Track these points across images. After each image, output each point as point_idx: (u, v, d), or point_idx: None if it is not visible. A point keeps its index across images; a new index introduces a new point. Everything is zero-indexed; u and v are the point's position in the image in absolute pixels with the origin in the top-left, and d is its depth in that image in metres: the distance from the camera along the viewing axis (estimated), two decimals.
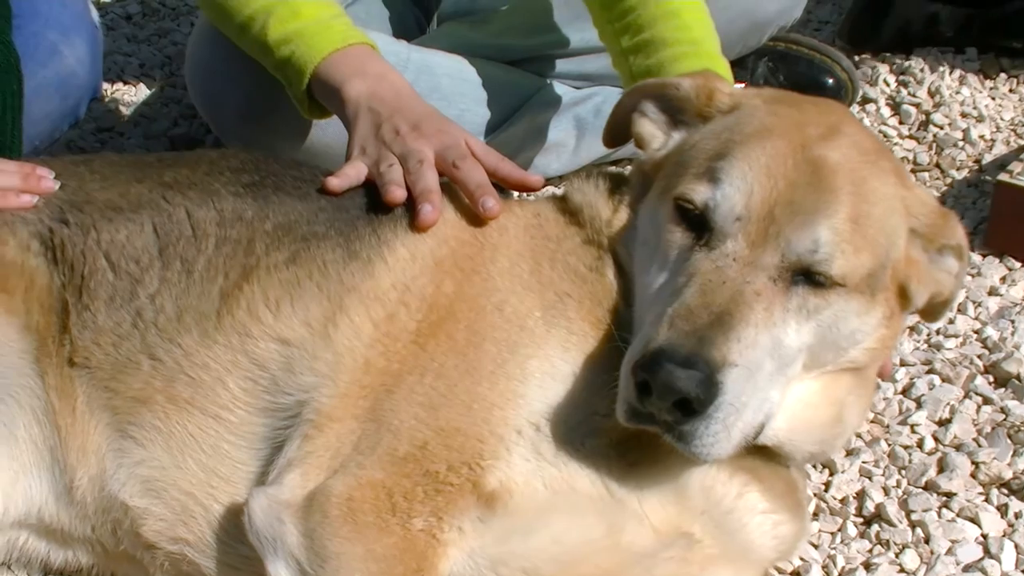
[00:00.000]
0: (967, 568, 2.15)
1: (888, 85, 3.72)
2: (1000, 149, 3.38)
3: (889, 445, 2.41)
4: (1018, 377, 2.55)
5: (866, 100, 3.62)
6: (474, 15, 3.24)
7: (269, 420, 1.87)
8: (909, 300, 1.86)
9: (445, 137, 2.12)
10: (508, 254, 1.92)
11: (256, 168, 2.10)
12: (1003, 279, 2.90)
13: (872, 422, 2.47)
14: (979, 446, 2.39)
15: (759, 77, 3.42)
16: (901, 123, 3.54)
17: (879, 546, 2.21)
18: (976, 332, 2.72)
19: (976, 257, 2.93)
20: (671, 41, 2.44)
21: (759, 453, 1.83)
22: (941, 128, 3.47)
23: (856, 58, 3.79)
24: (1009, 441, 2.40)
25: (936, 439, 2.43)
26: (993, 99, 3.63)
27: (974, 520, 2.24)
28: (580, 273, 1.89)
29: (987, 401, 2.51)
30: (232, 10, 2.47)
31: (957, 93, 3.63)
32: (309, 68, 2.33)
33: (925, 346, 2.69)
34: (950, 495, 2.29)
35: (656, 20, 2.47)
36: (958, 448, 2.39)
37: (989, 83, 3.71)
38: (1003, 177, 2.95)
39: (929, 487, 2.31)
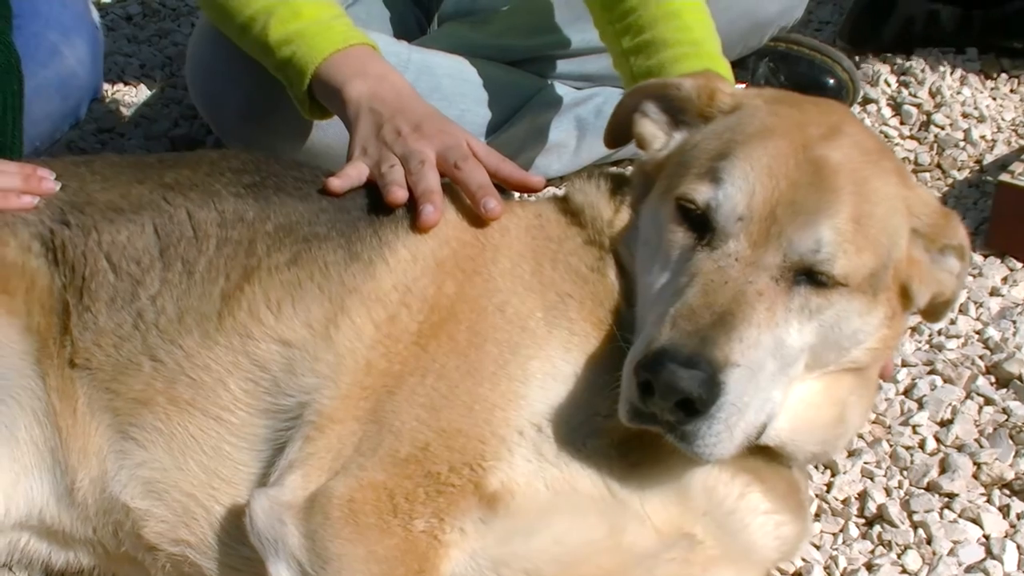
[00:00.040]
0: (969, 569, 2.15)
1: (889, 85, 3.72)
2: (1001, 149, 3.38)
3: (891, 446, 2.41)
4: (1020, 378, 2.55)
5: (867, 100, 3.62)
6: (475, 15, 3.24)
7: (270, 421, 1.87)
8: (911, 300, 1.86)
9: (446, 138, 2.12)
10: (510, 255, 1.92)
11: (257, 169, 2.10)
12: (1004, 280, 2.90)
13: (874, 423, 2.47)
14: (981, 447, 2.38)
15: (760, 77, 3.42)
16: (902, 123, 3.54)
17: (881, 547, 2.21)
18: (978, 333, 2.72)
19: (977, 258, 2.93)
20: (672, 42, 2.44)
21: (761, 453, 1.83)
22: (942, 128, 3.47)
23: (857, 58, 3.79)
24: (1011, 442, 2.39)
25: (938, 440, 2.43)
26: (994, 99, 3.63)
27: (976, 521, 2.24)
28: (582, 274, 1.89)
29: (989, 402, 2.51)
30: (233, 10, 2.47)
31: (958, 93, 3.63)
32: (310, 69, 2.33)
33: (927, 347, 2.69)
34: (952, 496, 2.29)
35: (657, 21, 2.47)
36: (960, 449, 2.39)
37: (990, 83, 3.71)
38: (1004, 177, 2.95)
39: (931, 488, 2.31)
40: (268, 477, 1.83)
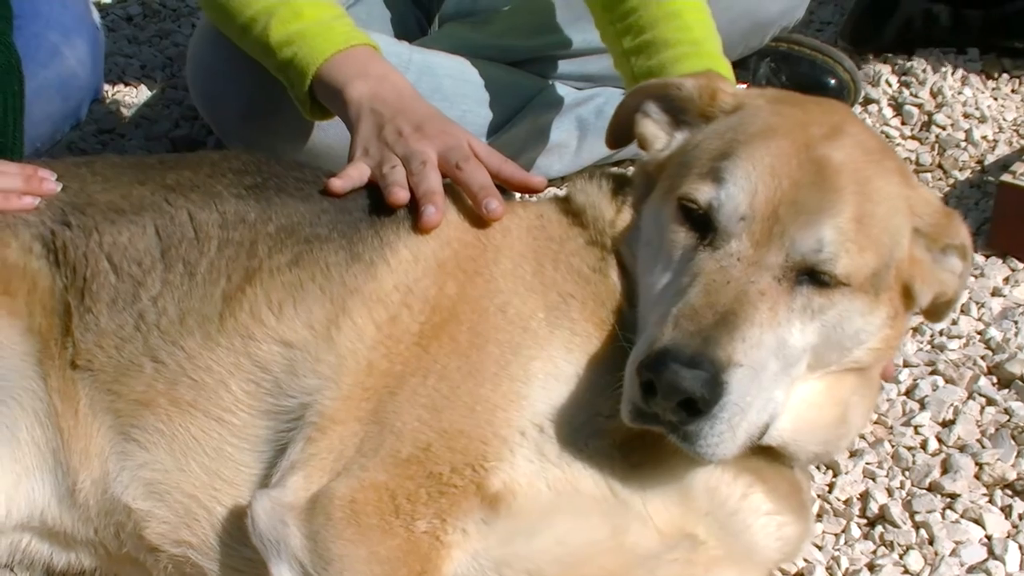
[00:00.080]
0: (971, 569, 2.15)
1: (890, 86, 3.72)
2: (1003, 150, 3.37)
3: (893, 446, 2.41)
4: (1021, 378, 2.54)
5: (868, 101, 3.62)
6: (476, 16, 3.24)
7: (272, 423, 1.87)
8: (913, 300, 1.86)
9: (448, 138, 2.12)
10: (511, 255, 1.92)
11: (258, 170, 2.10)
12: (1006, 280, 2.90)
13: (876, 423, 2.47)
14: (983, 447, 2.38)
15: (761, 78, 3.42)
16: (903, 124, 3.54)
17: (883, 547, 2.21)
18: (979, 333, 2.72)
19: (979, 258, 2.93)
20: (673, 42, 2.44)
21: (763, 454, 1.83)
22: (943, 129, 3.47)
23: (861, 58, 3.79)
24: (1013, 442, 2.39)
25: (940, 440, 2.42)
26: (995, 99, 3.63)
27: (978, 521, 2.24)
28: (583, 274, 1.88)
29: (991, 402, 2.51)
30: (234, 11, 2.47)
31: (959, 94, 3.63)
32: (311, 69, 2.33)
33: (928, 347, 2.69)
34: (954, 496, 2.29)
35: (658, 21, 2.47)
36: (962, 449, 2.39)
37: (991, 83, 3.71)
38: (1006, 178, 2.94)
39: (933, 488, 2.31)
40: (270, 478, 1.83)
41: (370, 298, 1.88)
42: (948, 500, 2.28)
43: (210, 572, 1.88)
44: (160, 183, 2.06)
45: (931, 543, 2.19)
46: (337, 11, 2.43)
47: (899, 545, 2.19)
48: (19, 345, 1.91)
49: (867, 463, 2.37)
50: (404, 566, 1.70)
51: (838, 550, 2.20)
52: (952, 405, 2.49)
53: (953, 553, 2.17)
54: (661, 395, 1.61)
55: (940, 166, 3.35)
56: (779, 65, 3.44)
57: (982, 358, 2.62)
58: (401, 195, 2.00)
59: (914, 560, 2.16)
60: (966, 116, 3.52)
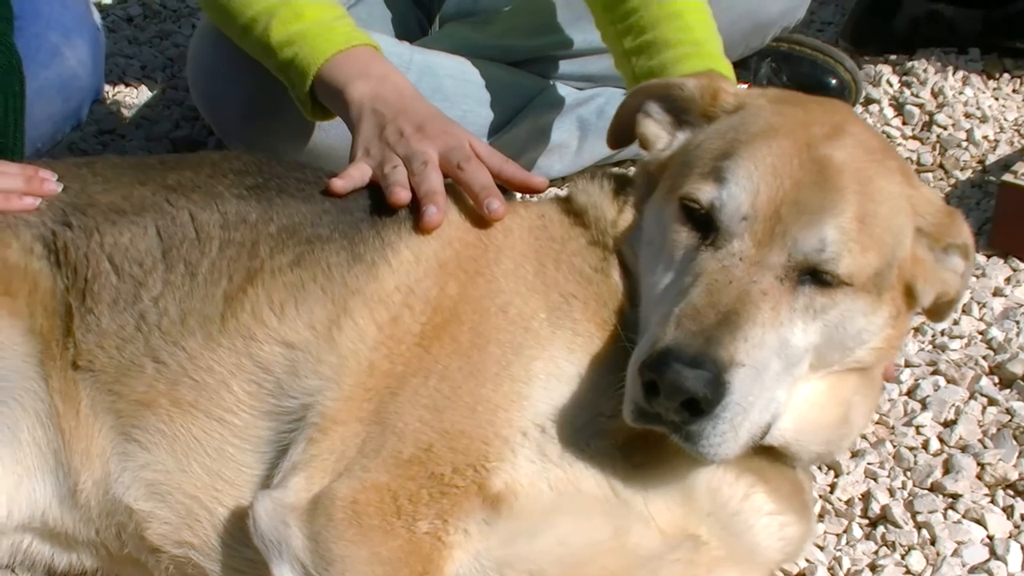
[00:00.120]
0: (973, 570, 2.15)
1: (891, 86, 3.72)
2: (1004, 149, 3.37)
3: (894, 446, 2.41)
4: (1023, 378, 2.54)
5: (869, 101, 3.62)
6: (476, 16, 3.24)
7: (274, 423, 1.86)
8: (915, 299, 1.85)
9: (449, 139, 2.12)
10: (512, 256, 1.92)
11: (259, 170, 2.10)
12: (1008, 280, 2.90)
13: (877, 423, 2.46)
14: (984, 447, 2.38)
15: (762, 78, 3.42)
16: (904, 124, 3.54)
17: (885, 548, 2.20)
18: (981, 333, 2.72)
19: (980, 258, 2.92)
20: (674, 42, 2.44)
21: (765, 454, 1.82)
22: (944, 129, 3.47)
23: (861, 58, 3.78)
24: (1015, 442, 2.39)
25: (941, 440, 2.42)
26: (996, 99, 3.63)
27: (980, 521, 2.23)
28: (585, 274, 1.88)
29: (992, 402, 2.50)
30: (235, 12, 2.46)
31: (960, 94, 3.63)
32: (312, 70, 2.33)
33: (930, 347, 2.69)
34: (956, 496, 2.28)
35: (659, 21, 2.47)
36: (963, 449, 2.38)
37: (992, 83, 3.71)
38: (1007, 178, 2.94)
39: (935, 488, 2.31)
40: (271, 479, 1.83)
41: (372, 299, 1.88)
42: (950, 500, 2.28)
43: (212, 573, 1.88)
44: (161, 184, 2.06)
45: (933, 543, 2.19)
46: (338, 11, 2.43)
47: (901, 545, 2.19)
48: (20, 346, 1.91)
49: (869, 463, 2.37)
50: (406, 567, 1.70)
51: (840, 550, 2.20)
52: (954, 405, 2.49)
53: (955, 553, 2.17)
54: (664, 395, 1.61)
55: (941, 166, 3.35)
56: (780, 65, 3.44)
57: (984, 358, 2.62)
58: (403, 195, 2.00)
59: (916, 560, 2.16)
60: (967, 116, 3.52)
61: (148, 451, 1.89)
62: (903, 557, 2.17)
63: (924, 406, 2.50)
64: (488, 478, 1.74)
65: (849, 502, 2.30)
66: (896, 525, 2.23)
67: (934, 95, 3.62)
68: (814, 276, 1.70)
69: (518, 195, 2.25)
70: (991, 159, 3.33)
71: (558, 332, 1.82)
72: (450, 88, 2.99)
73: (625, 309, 1.85)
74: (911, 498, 2.28)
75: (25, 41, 2.58)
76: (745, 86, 2.40)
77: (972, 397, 2.52)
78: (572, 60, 3.19)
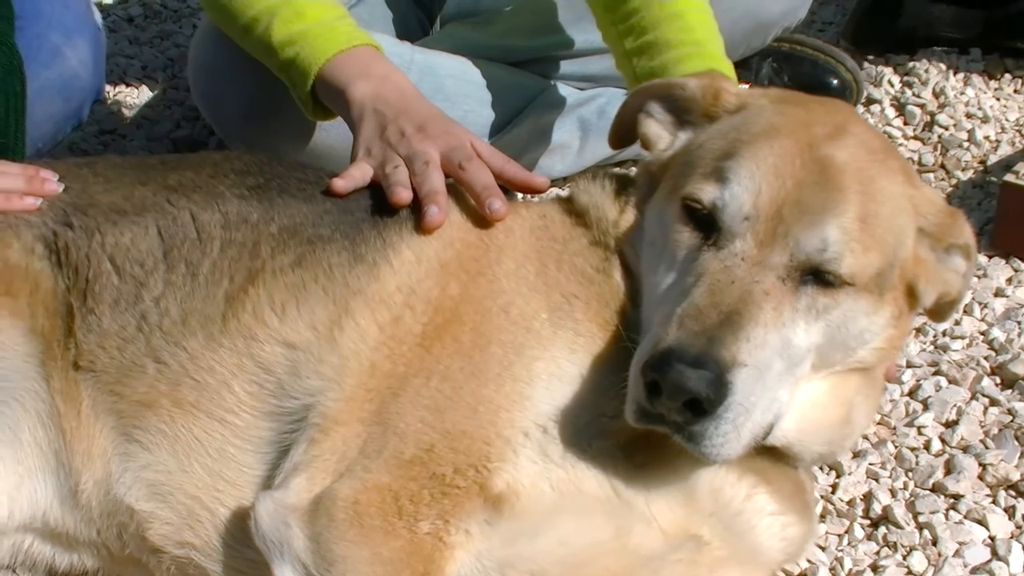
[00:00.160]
0: (975, 570, 2.14)
1: (892, 86, 3.72)
2: (1005, 150, 3.37)
3: (896, 447, 2.41)
4: None
5: (870, 101, 3.62)
6: (478, 16, 3.24)
7: (275, 424, 1.86)
8: (917, 300, 1.85)
9: (451, 139, 2.11)
10: (514, 256, 1.92)
11: (261, 170, 2.10)
12: (1009, 280, 2.89)
13: (879, 424, 2.46)
14: (986, 448, 2.38)
15: (763, 78, 3.42)
16: (906, 124, 3.54)
17: (886, 548, 2.20)
18: (982, 333, 2.71)
19: (982, 258, 2.92)
20: (675, 43, 2.44)
21: (767, 454, 1.82)
22: (946, 129, 3.47)
23: (862, 58, 3.78)
24: (1016, 443, 2.39)
25: (943, 441, 2.42)
26: (998, 100, 3.63)
27: (981, 522, 2.23)
28: (587, 274, 1.88)
29: (994, 403, 2.50)
30: (236, 11, 2.46)
31: (962, 94, 3.63)
32: (313, 70, 2.33)
33: (931, 348, 2.69)
34: (957, 497, 2.28)
35: (660, 22, 2.47)
36: (965, 450, 2.38)
37: (994, 84, 3.71)
38: (1008, 178, 2.94)
39: (936, 489, 2.31)
40: (273, 480, 1.83)
41: (373, 299, 1.88)
42: (951, 501, 2.28)
43: (213, 573, 1.88)
44: (162, 184, 2.06)
45: (934, 544, 2.19)
46: (339, 11, 2.43)
47: (902, 546, 2.19)
48: (22, 346, 1.91)
49: (870, 464, 2.37)
50: (407, 567, 1.70)
51: (841, 551, 2.20)
52: (955, 406, 2.49)
53: (956, 554, 2.16)
54: (666, 395, 1.61)
55: (943, 166, 3.35)
56: (781, 65, 3.43)
57: (985, 359, 2.62)
58: (404, 195, 2.00)
59: (917, 561, 2.15)
60: (968, 116, 3.52)
61: (149, 451, 1.89)
62: (905, 558, 2.17)
63: (926, 406, 2.50)
64: (490, 478, 1.74)
65: (851, 502, 2.30)
66: (898, 526, 2.23)
67: (935, 95, 3.62)
68: (816, 276, 1.70)
69: (520, 195, 2.25)
70: (992, 159, 3.33)
71: (560, 332, 1.82)
72: (451, 88, 2.99)
73: (627, 309, 1.84)
74: (913, 499, 2.28)
75: (26, 41, 2.58)
76: (746, 86, 2.40)
77: (974, 398, 2.52)
78: (573, 60, 3.19)
